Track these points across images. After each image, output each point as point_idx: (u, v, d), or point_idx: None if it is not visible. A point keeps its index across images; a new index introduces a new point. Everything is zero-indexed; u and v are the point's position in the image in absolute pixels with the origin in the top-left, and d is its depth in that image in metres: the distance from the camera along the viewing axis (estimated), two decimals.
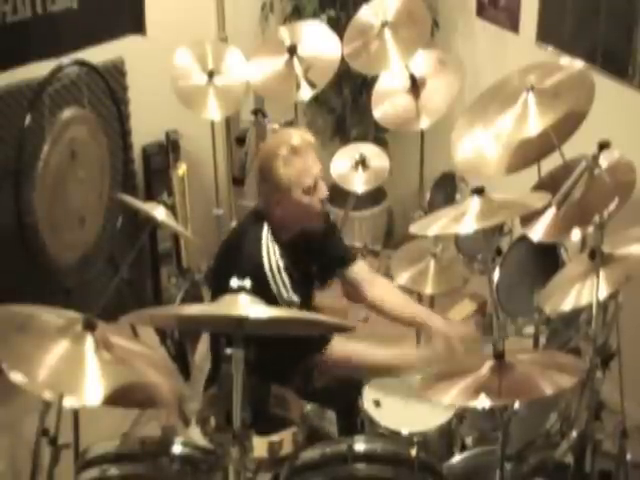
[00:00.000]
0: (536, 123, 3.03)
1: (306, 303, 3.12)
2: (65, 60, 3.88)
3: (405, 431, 2.88)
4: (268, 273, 2.94)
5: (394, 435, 2.88)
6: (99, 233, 4.05)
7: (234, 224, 4.14)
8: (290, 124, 3.99)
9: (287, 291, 2.96)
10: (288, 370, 3.09)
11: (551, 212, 2.96)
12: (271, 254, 2.97)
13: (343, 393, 3.19)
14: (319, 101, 4.64)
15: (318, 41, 3.88)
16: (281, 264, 2.97)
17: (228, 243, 3.16)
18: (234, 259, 2.99)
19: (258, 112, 4.11)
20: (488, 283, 2.81)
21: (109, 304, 3.15)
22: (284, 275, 2.97)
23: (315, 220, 3.09)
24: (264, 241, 2.99)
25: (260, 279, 2.89)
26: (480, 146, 3.22)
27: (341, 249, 3.32)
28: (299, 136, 3.03)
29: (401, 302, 3.25)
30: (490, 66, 4.20)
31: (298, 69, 3.79)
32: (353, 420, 3.05)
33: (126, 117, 4.28)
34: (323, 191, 3.05)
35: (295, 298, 2.98)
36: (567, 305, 2.53)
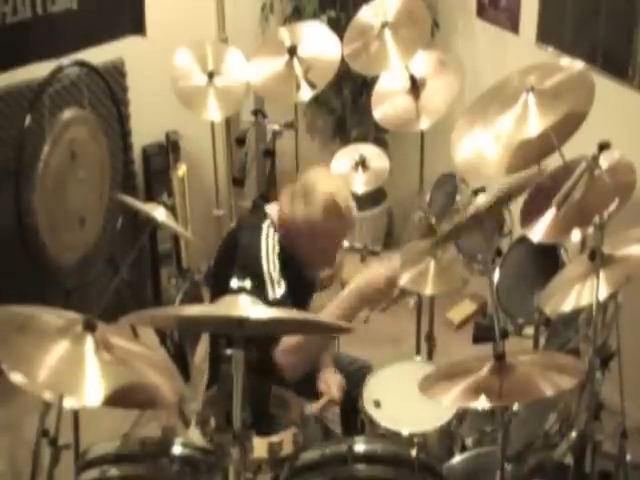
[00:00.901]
0: (536, 124, 3.03)
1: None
2: (65, 61, 3.88)
3: (405, 432, 2.88)
4: (267, 280, 2.91)
5: (394, 436, 2.88)
6: (99, 234, 4.05)
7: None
8: (290, 125, 3.99)
9: (279, 286, 2.91)
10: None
11: (551, 213, 2.96)
12: (270, 252, 2.97)
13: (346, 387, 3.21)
14: (319, 102, 4.64)
15: (318, 42, 3.88)
16: (277, 249, 2.98)
17: (227, 239, 3.15)
18: (232, 251, 2.99)
19: (258, 113, 4.11)
20: (488, 283, 2.81)
21: (109, 305, 3.15)
22: (276, 260, 2.95)
23: (310, 269, 3.10)
24: (264, 237, 2.98)
25: (255, 262, 2.90)
26: (480, 147, 3.22)
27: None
28: (346, 201, 3.05)
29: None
30: (490, 67, 4.20)
31: (298, 70, 3.79)
32: (356, 415, 3.05)
33: (126, 118, 4.29)
34: (333, 268, 3.12)
35: (283, 284, 2.93)
36: (568, 306, 2.53)
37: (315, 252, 3.03)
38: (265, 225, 3.00)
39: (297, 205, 2.99)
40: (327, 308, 2.91)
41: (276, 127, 3.96)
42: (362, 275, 2.97)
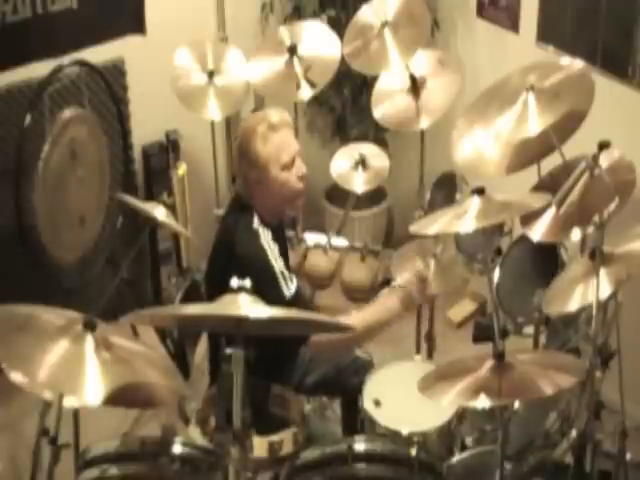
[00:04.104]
0: (536, 123, 3.03)
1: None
2: (65, 60, 3.88)
3: (405, 431, 2.88)
4: (280, 279, 2.95)
5: (394, 435, 2.88)
6: (99, 233, 4.05)
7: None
8: None
9: (292, 281, 2.97)
10: (286, 366, 3.10)
11: (551, 212, 2.96)
12: (274, 252, 2.98)
13: (345, 378, 3.21)
14: (319, 101, 4.64)
15: (318, 41, 3.88)
16: (280, 257, 2.99)
17: (220, 241, 3.15)
18: (231, 259, 2.98)
19: None
20: (488, 283, 2.81)
21: (109, 304, 3.15)
22: (278, 254, 2.99)
23: (295, 197, 3.10)
24: (263, 240, 2.98)
25: (270, 281, 2.92)
26: (480, 146, 3.22)
27: None
28: (277, 114, 3.05)
29: None
30: (490, 66, 4.20)
31: (298, 69, 3.79)
32: (356, 414, 3.06)
33: (126, 117, 4.28)
34: (301, 168, 3.06)
35: (293, 277, 2.99)
36: (570, 307, 2.54)
37: (283, 184, 3.03)
38: (255, 224, 3.00)
39: (241, 163, 3.05)
40: (363, 312, 3.08)
41: None
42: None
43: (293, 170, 3.03)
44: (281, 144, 3.00)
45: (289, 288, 2.93)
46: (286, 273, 2.96)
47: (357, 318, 3.04)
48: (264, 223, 3.02)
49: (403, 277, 3.18)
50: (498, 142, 3.19)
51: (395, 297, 3.07)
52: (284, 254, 3.10)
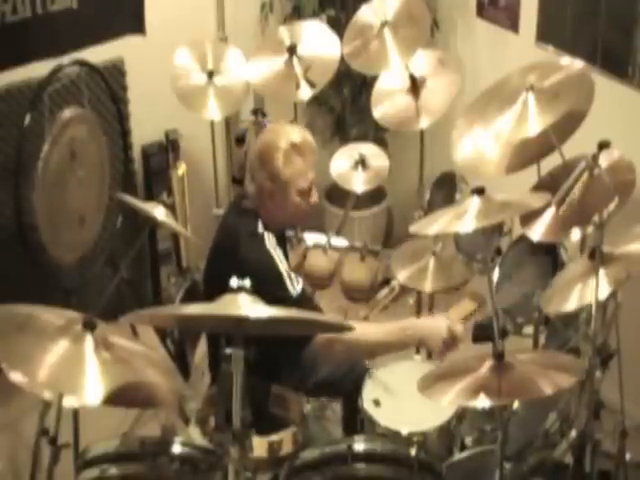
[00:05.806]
0: (536, 123, 3.03)
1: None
2: (65, 60, 3.88)
3: (405, 431, 2.88)
4: (286, 279, 2.95)
5: (394, 435, 2.88)
6: (99, 233, 4.05)
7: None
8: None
9: (297, 281, 2.97)
10: (286, 367, 3.10)
11: (551, 212, 2.96)
12: (280, 255, 2.98)
13: (346, 380, 3.21)
14: (319, 101, 4.64)
15: (318, 41, 3.88)
16: (284, 259, 3.00)
17: (221, 244, 3.15)
18: (234, 262, 2.98)
19: (258, 112, 4.11)
20: (488, 283, 2.81)
21: (109, 304, 3.15)
22: (283, 257, 3.00)
23: (302, 219, 3.14)
24: (268, 244, 2.99)
25: (276, 282, 2.93)
26: (480, 146, 3.22)
27: None
28: (301, 135, 3.05)
29: None
30: (490, 66, 4.20)
31: (298, 69, 3.80)
32: (355, 414, 3.06)
33: (126, 117, 4.28)
34: (315, 198, 3.08)
35: (301, 282, 2.99)
36: (569, 306, 2.54)
37: (295, 207, 3.04)
38: (260, 229, 3.00)
39: (258, 173, 3.02)
40: (379, 326, 3.08)
41: None
42: (427, 322, 3.15)
43: (307, 199, 3.05)
44: (302, 170, 3.00)
45: (295, 288, 2.94)
46: (292, 274, 2.97)
47: (370, 328, 3.07)
48: (267, 229, 3.02)
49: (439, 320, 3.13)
50: (498, 142, 3.19)
51: (421, 330, 3.05)
52: (286, 258, 3.11)
